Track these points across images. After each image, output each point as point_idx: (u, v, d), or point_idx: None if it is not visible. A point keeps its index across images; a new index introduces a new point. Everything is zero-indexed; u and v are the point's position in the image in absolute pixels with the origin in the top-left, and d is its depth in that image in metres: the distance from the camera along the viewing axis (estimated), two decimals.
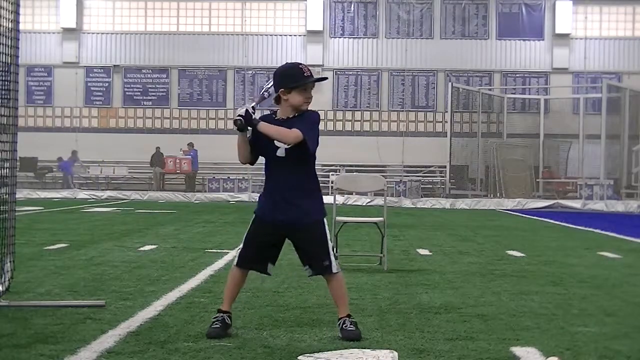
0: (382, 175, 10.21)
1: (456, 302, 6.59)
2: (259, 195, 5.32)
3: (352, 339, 4.98)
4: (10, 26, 6.48)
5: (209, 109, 35.55)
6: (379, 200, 26.20)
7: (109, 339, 4.92)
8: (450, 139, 31.03)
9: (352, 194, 27.27)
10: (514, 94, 35.22)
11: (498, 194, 30.92)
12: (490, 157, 31.97)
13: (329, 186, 30.99)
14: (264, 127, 5.02)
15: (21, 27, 6.80)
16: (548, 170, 32.94)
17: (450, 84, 31.88)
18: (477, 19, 35.59)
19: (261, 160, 5.29)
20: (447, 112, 32.54)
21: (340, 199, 26.37)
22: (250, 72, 35.41)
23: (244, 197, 29.11)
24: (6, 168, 6.45)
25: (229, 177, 32.17)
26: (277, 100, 5.17)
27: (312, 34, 35.46)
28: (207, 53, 35.80)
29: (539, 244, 12.62)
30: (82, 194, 30.02)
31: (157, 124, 36.03)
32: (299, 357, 4.55)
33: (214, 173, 32.92)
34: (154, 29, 36.16)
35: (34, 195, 28.96)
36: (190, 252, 10.43)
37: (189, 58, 35.80)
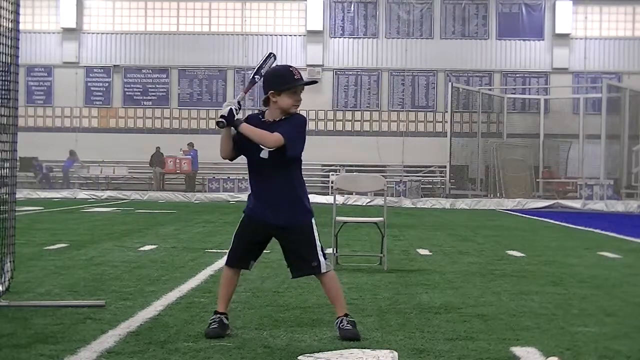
0: (382, 175, 10.21)
1: (456, 302, 6.59)
2: (248, 194, 5.33)
3: (350, 338, 4.98)
4: (10, 26, 6.48)
5: (209, 109, 35.53)
6: (379, 200, 26.20)
7: (109, 339, 4.92)
8: (450, 139, 31.03)
9: (352, 194, 27.27)
10: (514, 94, 35.22)
11: (498, 194, 30.92)
12: (490, 157, 31.97)
13: (329, 186, 31.08)
14: (245, 128, 5.00)
15: (21, 27, 6.80)
16: (548, 170, 32.94)
17: (450, 84, 31.88)
18: (477, 19, 35.59)
19: None
20: (447, 112, 32.54)
21: (340, 199, 26.37)
22: (250, 72, 35.27)
23: (244, 197, 29.01)
24: (6, 168, 6.45)
25: (229, 177, 32.18)
26: (266, 102, 5.16)
27: (312, 34, 35.46)
28: (207, 53, 35.80)
29: (539, 244, 12.62)
30: (82, 194, 30.01)
31: (157, 124, 36.03)
32: (299, 357, 4.55)
33: (214, 173, 32.91)
34: (154, 29, 36.16)
35: (34, 195, 28.96)
36: (190, 252, 10.43)
37: (189, 58, 35.80)
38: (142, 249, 10.71)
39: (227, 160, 5.27)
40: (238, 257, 5.23)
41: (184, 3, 36.07)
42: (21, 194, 24.97)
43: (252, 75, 5.19)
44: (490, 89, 34.62)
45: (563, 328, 5.53)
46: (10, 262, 6.53)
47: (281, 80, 5.10)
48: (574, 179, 31.75)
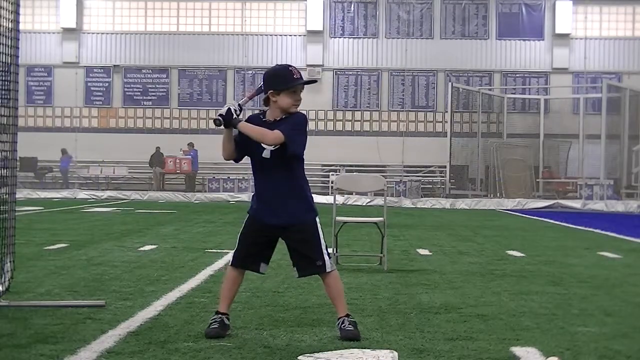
0: (382, 175, 10.21)
1: (456, 302, 6.59)
2: (252, 194, 5.33)
3: (351, 338, 4.97)
4: (10, 26, 6.48)
5: (209, 109, 35.50)
6: (379, 200, 26.20)
7: (109, 339, 4.92)
8: (450, 139, 31.03)
9: (352, 194, 27.27)
10: (514, 94, 35.22)
11: (498, 194, 30.93)
12: (490, 157, 31.97)
13: (329, 186, 31.08)
14: (244, 127, 5.01)
15: (21, 27, 6.80)
16: (548, 170, 32.94)
17: (450, 84, 31.89)
18: (477, 19, 35.59)
19: None
20: (447, 112, 32.55)
21: (340, 199, 26.38)
22: (250, 72, 35.40)
23: (244, 197, 29.08)
24: (6, 168, 6.45)
25: (229, 177, 32.17)
26: (266, 101, 5.16)
27: (312, 34, 35.46)
28: (207, 53, 35.81)
29: (539, 244, 12.62)
30: (82, 194, 30.01)
31: (157, 124, 36.04)
32: (299, 357, 4.55)
33: (214, 173, 32.91)
34: (154, 29, 36.17)
35: (34, 195, 28.97)
36: (190, 252, 10.43)
37: (189, 58, 35.80)
38: (142, 249, 10.71)
39: (227, 161, 5.27)
40: (243, 258, 5.22)
41: (184, 3, 36.07)
42: (21, 194, 24.97)
43: (260, 84, 5.19)
44: (490, 89, 34.62)
45: (563, 328, 5.53)
46: (10, 262, 6.53)
47: (280, 80, 5.10)
48: (574, 179, 31.76)
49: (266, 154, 5.07)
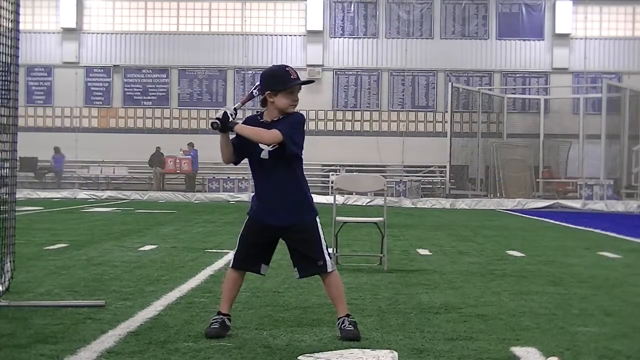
0: (382, 175, 10.21)
1: (456, 302, 6.59)
2: (252, 195, 5.33)
3: (351, 339, 4.97)
4: (10, 26, 6.48)
5: (209, 109, 35.50)
6: (379, 200, 26.21)
7: (109, 339, 4.92)
8: (450, 139, 31.03)
9: (352, 194, 27.27)
10: (514, 94, 35.22)
11: (498, 194, 30.92)
12: (490, 157, 31.97)
13: (329, 186, 31.07)
14: (241, 129, 5.02)
15: (21, 27, 6.80)
16: (548, 170, 32.94)
17: (450, 84, 31.88)
18: (477, 19, 35.59)
19: None
20: (447, 112, 32.55)
21: (340, 199, 26.38)
22: (250, 72, 35.40)
23: (244, 197, 29.09)
24: (6, 168, 6.44)
25: (229, 177, 32.16)
26: (264, 102, 5.16)
27: (312, 34, 35.46)
28: (207, 53, 35.81)
29: (539, 244, 12.63)
30: (82, 194, 30.02)
31: (157, 124, 36.04)
32: (299, 357, 4.55)
33: (214, 173, 32.90)
34: (154, 29, 36.17)
35: (34, 195, 28.96)
36: (190, 252, 10.43)
37: (189, 58, 35.80)
38: (142, 249, 10.71)
39: (227, 164, 5.27)
40: (243, 259, 5.22)
41: (184, 3, 36.07)
42: (21, 194, 24.97)
43: (251, 90, 5.19)
44: (490, 89, 34.62)
45: (563, 328, 5.53)
46: (10, 262, 6.53)
47: (277, 80, 5.10)
48: (574, 179, 31.75)
49: (264, 154, 5.08)
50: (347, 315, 5.13)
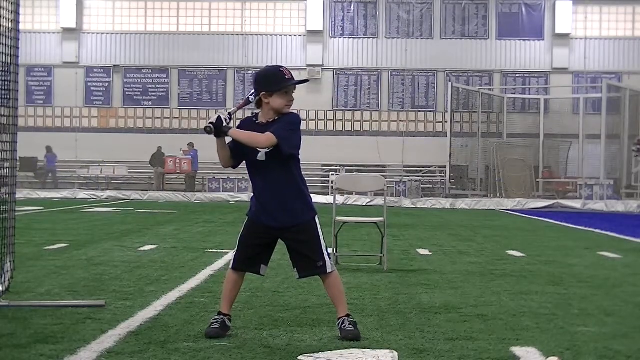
0: (382, 175, 10.21)
1: (456, 302, 6.59)
2: (251, 196, 5.32)
3: (351, 339, 4.97)
4: (10, 26, 6.48)
5: (209, 109, 35.50)
6: (379, 200, 26.21)
7: (109, 339, 4.92)
8: (450, 139, 31.04)
9: (352, 194, 27.27)
10: (514, 94, 35.23)
11: (498, 194, 30.93)
12: (490, 157, 31.98)
13: (329, 186, 31.08)
14: (235, 133, 5.02)
15: (21, 27, 6.80)
16: (548, 170, 32.94)
17: (450, 84, 31.89)
18: (477, 19, 35.60)
19: None
20: (447, 112, 32.55)
21: (340, 199, 26.38)
22: (250, 72, 35.35)
23: (244, 197, 29.09)
24: (6, 168, 6.45)
25: (229, 177, 32.16)
26: (259, 104, 5.14)
27: (312, 34, 35.46)
28: (207, 53, 35.81)
29: (539, 244, 12.62)
30: (82, 194, 30.02)
31: (157, 124, 36.05)
32: (299, 357, 4.55)
33: (214, 173, 32.91)
34: (154, 29, 36.17)
35: (34, 195, 28.97)
36: (190, 252, 10.43)
37: (189, 58, 35.81)
38: (142, 249, 10.71)
39: (226, 168, 5.28)
40: (243, 261, 5.22)
41: (184, 3, 36.07)
42: (21, 194, 24.97)
43: (247, 96, 5.18)
44: (490, 89, 34.63)
45: (563, 328, 5.53)
46: (10, 262, 6.53)
47: (272, 81, 5.08)
48: (574, 179, 31.75)
49: (261, 156, 5.07)
50: (347, 316, 5.13)
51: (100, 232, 13.50)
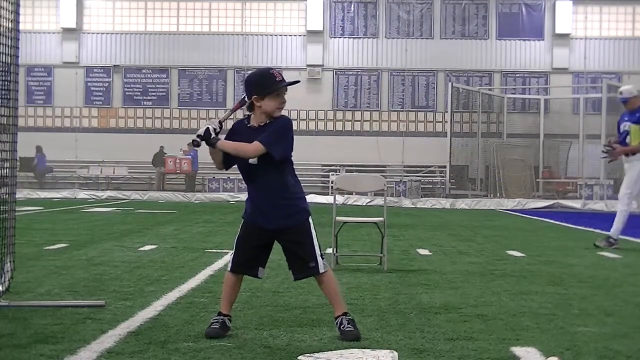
0: (382, 175, 10.21)
1: (456, 302, 6.59)
2: (246, 199, 5.32)
3: (351, 339, 4.97)
4: (10, 26, 6.48)
5: (209, 109, 35.55)
6: (379, 200, 26.20)
7: (109, 339, 4.92)
8: (450, 139, 31.03)
9: (352, 194, 27.27)
10: (514, 94, 35.22)
11: (498, 194, 30.93)
12: (490, 157, 31.97)
13: (329, 186, 31.08)
14: (222, 145, 5.02)
15: (21, 27, 6.80)
16: (548, 170, 32.94)
17: (450, 84, 31.88)
18: (477, 19, 35.59)
19: None
20: (447, 112, 32.55)
21: (340, 199, 26.37)
22: (250, 72, 35.36)
23: (244, 197, 28.85)
24: (6, 168, 6.45)
25: (229, 177, 32.16)
26: (250, 107, 5.13)
27: (312, 34, 35.46)
28: (207, 53, 35.81)
29: (539, 244, 12.62)
30: (82, 194, 30.02)
31: (157, 124, 36.05)
32: (299, 357, 4.56)
33: (214, 173, 32.90)
34: (154, 29, 36.17)
35: (34, 195, 28.97)
36: (190, 252, 10.43)
37: (189, 58, 35.81)
38: (142, 249, 10.71)
39: (220, 170, 5.29)
40: (241, 263, 5.22)
41: (184, 3, 36.07)
42: (21, 194, 24.97)
43: (243, 96, 5.17)
44: (490, 89, 34.62)
45: (563, 328, 5.53)
46: (10, 262, 6.53)
47: (263, 84, 5.06)
48: (574, 179, 31.75)
49: (253, 160, 5.07)
50: (345, 314, 5.12)
51: (100, 232, 13.50)
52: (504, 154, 32.21)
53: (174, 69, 36.00)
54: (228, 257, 9.55)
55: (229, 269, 5.27)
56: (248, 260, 5.21)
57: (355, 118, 35.76)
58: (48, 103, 36.05)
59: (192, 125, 35.66)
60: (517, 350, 4.80)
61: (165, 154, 33.07)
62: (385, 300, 6.62)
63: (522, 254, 10.77)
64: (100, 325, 5.34)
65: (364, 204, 26.93)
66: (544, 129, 33.20)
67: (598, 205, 27.14)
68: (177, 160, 32.72)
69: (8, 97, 6.51)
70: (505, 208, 26.97)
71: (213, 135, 5.00)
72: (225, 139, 5.12)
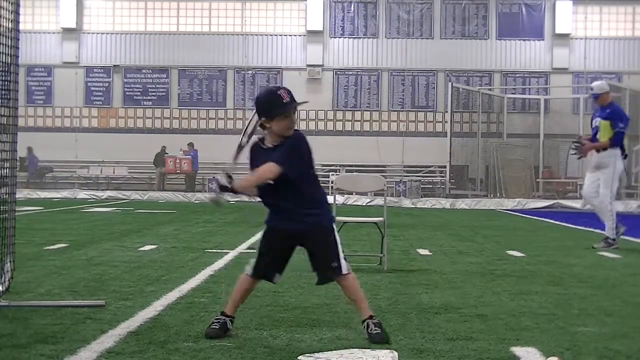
0: (382, 175, 10.21)
1: (456, 302, 6.58)
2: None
3: (379, 342, 4.92)
4: (10, 26, 6.48)
5: (209, 109, 35.56)
6: (379, 200, 26.20)
7: (109, 339, 4.92)
8: (450, 139, 31.02)
9: (352, 194, 27.27)
10: (514, 94, 35.22)
11: (498, 194, 30.92)
12: (490, 157, 31.97)
13: (329, 186, 31.07)
14: (242, 185, 5.05)
15: (21, 27, 6.80)
16: (548, 170, 32.93)
17: (450, 84, 31.88)
18: (477, 19, 35.59)
19: None
20: (447, 112, 32.55)
21: (340, 199, 26.37)
22: (250, 72, 35.42)
23: (244, 196, 29.02)
24: (6, 168, 6.44)
25: None
26: (263, 126, 5.11)
27: (312, 34, 35.46)
28: (207, 53, 35.81)
29: (539, 244, 12.63)
30: (82, 194, 30.02)
31: (157, 124, 36.04)
32: (299, 357, 4.56)
33: (214, 173, 32.84)
34: (154, 29, 36.17)
35: (34, 195, 28.96)
36: (190, 252, 10.43)
37: (189, 58, 35.80)
38: (142, 249, 10.71)
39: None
40: (262, 269, 5.21)
41: (184, 3, 36.07)
42: (21, 194, 24.97)
43: (239, 141, 5.14)
44: (490, 89, 34.62)
45: (563, 328, 5.53)
46: (10, 262, 6.53)
47: (269, 107, 5.01)
48: (574, 179, 31.73)
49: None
50: (371, 317, 5.08)
51: (100, 232, 13.50)
52: (504, 154, 32.21)
53: (174, 69, 36.00)
54: (228, 257, 9.60)
55: (248, 272, 5.24)
56: (267, 264, 5.20)
57: (355, 118, 35.76)
58: (48, 103, 36.05)
59: (192, 125, 35.69)
60: (517, 350, 4.80)
61: (167, 154, 33.07)
62: (385, 300, 6.62)
63: (522, 254, 10.77)
64: (100, 325, 5.34)
65: (364, 204, 26.93)
66: (544, 129, 33.19)
67: None
68: (177, 160, 32.73)
69: (8, 97, 6.51)
70: (505, 208, 26.97)
71: (227, 185, 5.02)
72: (249, 164, 5.12)
